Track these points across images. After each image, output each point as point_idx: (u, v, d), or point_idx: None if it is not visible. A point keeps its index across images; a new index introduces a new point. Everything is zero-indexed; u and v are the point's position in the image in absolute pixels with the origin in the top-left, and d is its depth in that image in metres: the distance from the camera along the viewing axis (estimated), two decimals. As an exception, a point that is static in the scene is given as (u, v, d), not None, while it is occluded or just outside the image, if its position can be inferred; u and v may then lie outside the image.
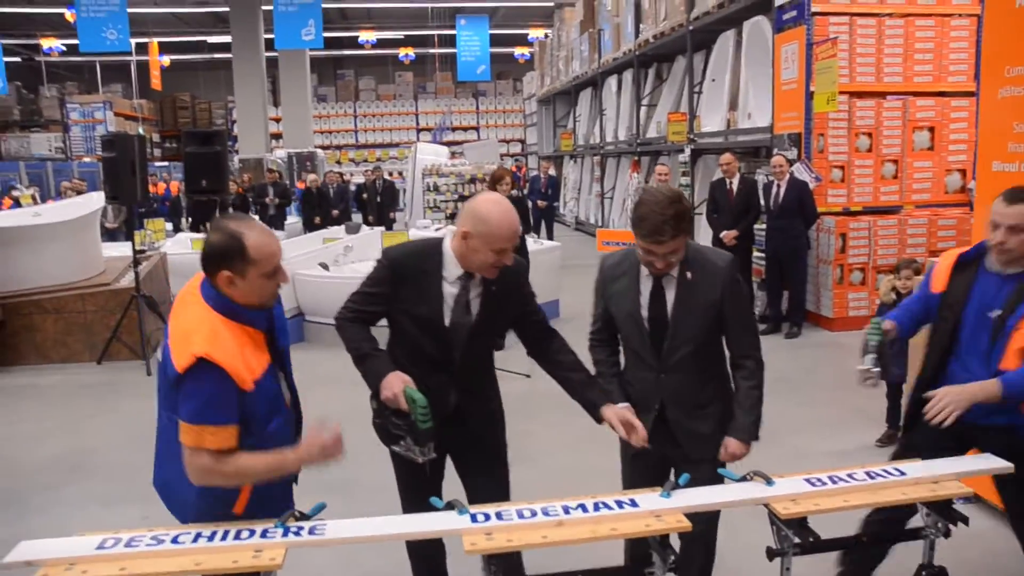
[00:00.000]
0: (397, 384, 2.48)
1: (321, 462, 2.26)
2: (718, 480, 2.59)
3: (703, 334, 2.70)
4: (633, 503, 2.36)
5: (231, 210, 12.76)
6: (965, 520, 2.46)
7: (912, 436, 2.97)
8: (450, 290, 2.64)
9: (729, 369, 2.81)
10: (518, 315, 2.81)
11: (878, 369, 2.81)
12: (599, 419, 2.69)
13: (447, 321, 2.64)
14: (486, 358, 2.85)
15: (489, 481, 2.80)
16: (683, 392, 2.74)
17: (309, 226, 13.49)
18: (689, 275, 2.66)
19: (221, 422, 2.14)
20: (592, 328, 2.93)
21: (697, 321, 2.68)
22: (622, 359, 2.95)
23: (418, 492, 2.60)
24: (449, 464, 2.88)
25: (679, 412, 2.75)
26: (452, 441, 2.76)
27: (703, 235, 10.52)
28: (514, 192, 7.47)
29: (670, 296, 2.69)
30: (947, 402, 2.61)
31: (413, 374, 2.56)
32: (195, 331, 2.15)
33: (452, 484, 2.86)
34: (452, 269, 2.64)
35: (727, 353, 2.82)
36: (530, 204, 12.93)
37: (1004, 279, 2.72)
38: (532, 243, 8.49)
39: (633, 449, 2.73)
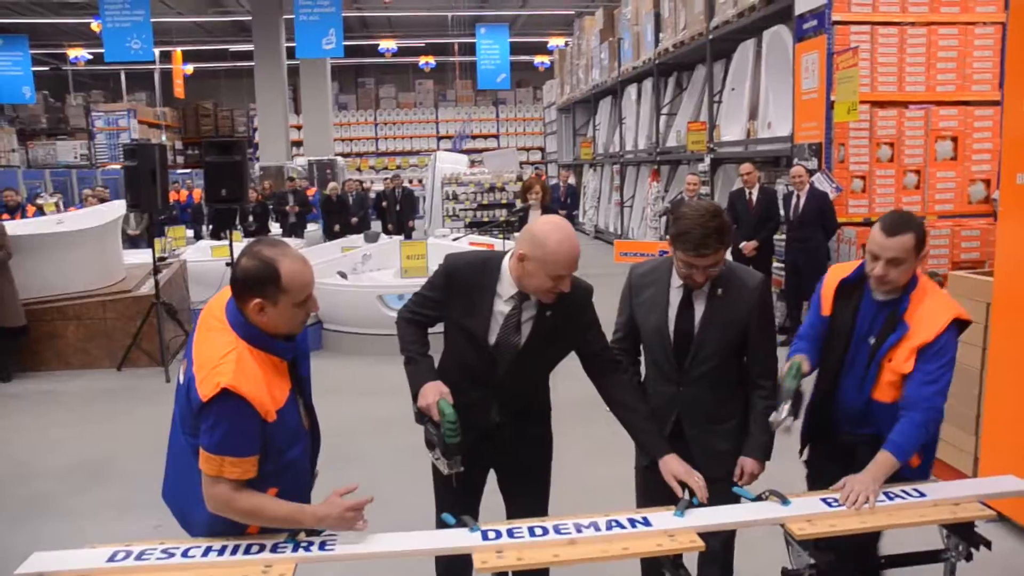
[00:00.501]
0: (432, 395, 2.47)
1: (337, 528, 2.21)
2: (733, 498, 2.56)
3: (726, 351, 2.70)
4: (646, 522, 2.33)
5: (251, 218, 12.86)
6: (988, 543, 2.41)
7: (810, 457, 2.91)
8: (502, 308, 2.59)
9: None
10: (577, 344, 2.71)
11: (792, 418, 2.61)
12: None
13: (492, 339, 2.60)
14: (536, 381, 2.77)
15: (526, 504, 2.71)
16: (700, 407, 2.72)
17: (328, 234, 13.55)
18: (720, 291, 2.66)
19: (243, 454, 2.10)
20: (614, 336, 2.89)
21: (722, 338, 2.67)
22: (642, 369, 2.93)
23: (452, 503, 2.57)
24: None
25: (696, 428, 2.73)
26: (495, 459, 2.75)
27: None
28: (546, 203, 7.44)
29: (699, 311, 2.68)
30: (858, 492, 2.44)
31: (458, 384, 2.55)
32: (221, 360, 2.09)
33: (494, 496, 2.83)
34: (507, 287, 2.59)
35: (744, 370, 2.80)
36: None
37: (880, 305, 2.62)
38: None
39: (646, 462, 2.73)
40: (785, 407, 2.55)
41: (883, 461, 2.49)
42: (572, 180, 17.98)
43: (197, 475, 2.16)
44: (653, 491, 2.74)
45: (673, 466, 2.54)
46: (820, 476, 2.76)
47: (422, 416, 2.51)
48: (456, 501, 2.58)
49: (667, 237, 2.73)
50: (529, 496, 2.78)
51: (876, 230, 2.54)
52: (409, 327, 2.70)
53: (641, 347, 2.88)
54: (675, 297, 2.71)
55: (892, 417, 2.58)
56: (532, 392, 2.76)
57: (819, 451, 2.86)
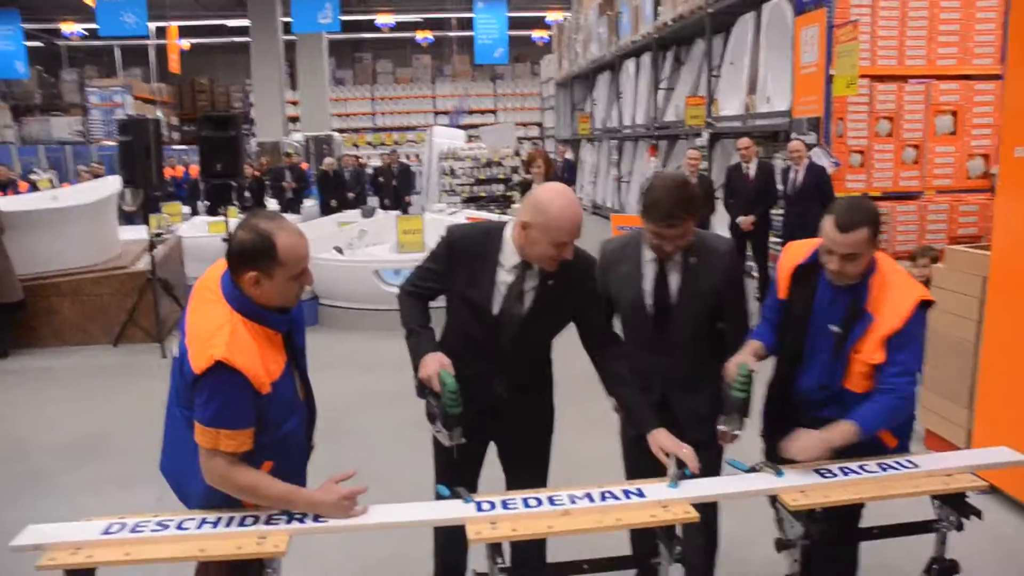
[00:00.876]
0: (432, 365, 2.45)
1: (332, 515, 2.20)
2: (718, 462, 2.65)
3: (704, 318, 2.75)
4: (640, 493, 2.34)
5: (247, 194, 12.81)
6: (978, 513, 2.42)
7: (769, 441, 2.84)
8: (504, 277, 2.58)
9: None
10: (578, 314, 2.70)
11: (738, 432, 2.56)
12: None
13: (496, 309, 2.59)
14: (540, 353, 2.76)
15: (526, 477, 2.71)
16: (683, 375, 2.76)
17: (325, 209, 13.51)
18: (693, 260, 2.69)
19: (238, 426, 2.10)
20: None
21: (700, 305, 2.71)
22: None
23: (452, 476, 2.56)
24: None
25: (679, 394, 2.77)
26: (496, 432, 2.75)
27: (720, 219, 10.44)
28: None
29: (674, 281, 2.71)
30: (801, 446, 2.46)
31: (461, 357, 2.54)
32: (215, 332, 2.09)
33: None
34: (510, 256, 2.58)
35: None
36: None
37: (837, 291, 2.56)
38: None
39: (633, 433, 2.77)
40: (732, 419, 2.52)
41: (843, 428, 2.46)
42: (570, 155, 17.90)
43: (193, 447, 2.16)
44: (640, 462, 2.78)
45: (662, 440, 2.54)
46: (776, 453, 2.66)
47: (423, 389, 2.50)
48: (456, 474, 2.58)
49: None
50: (529, 469, 2.78)
51: (829, 225, 2.45)
52: (411, 300, 2.70)
53: (618, 320, 2.88)
54: (649, 270, 2.73)
55: (857, 401, 2.57)
56: (534, 364, 2.75)
57: (777, 429, 2.76)
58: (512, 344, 2.61)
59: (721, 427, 2.55)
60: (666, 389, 2.77)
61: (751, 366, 2.54)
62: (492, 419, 2.68)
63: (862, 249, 2.44)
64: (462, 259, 2.62)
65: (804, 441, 2.47)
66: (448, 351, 2.56)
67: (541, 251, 2.47)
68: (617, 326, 2.88)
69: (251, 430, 2.13)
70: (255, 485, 2.17)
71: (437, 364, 2.46)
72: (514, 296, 2.58)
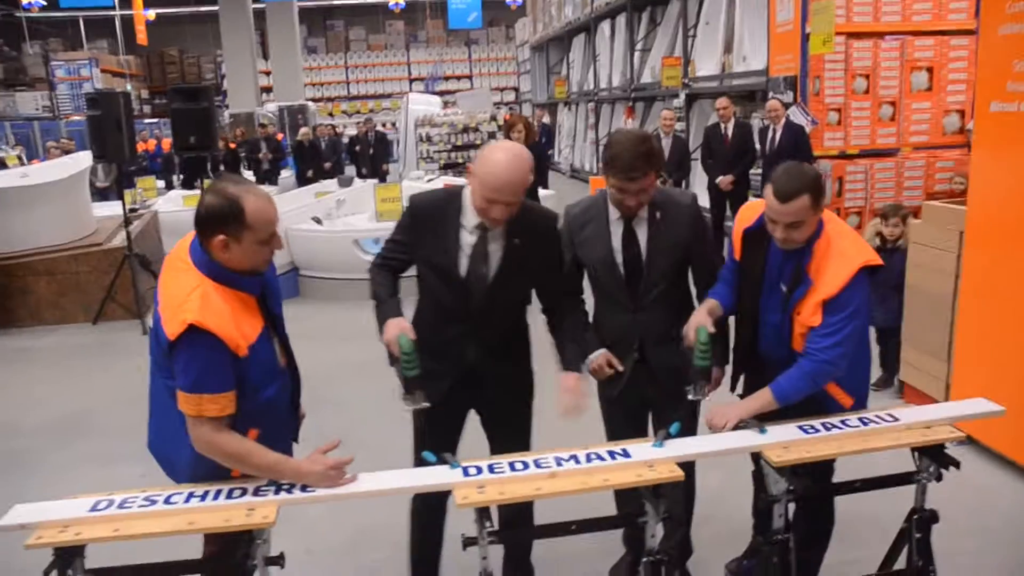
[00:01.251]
0: (392, 331, 2.45)
1: (319, 485, 2.21)
2: (696, 415, 2.72)
3: (674, 271, 2.79)
4: (626, 453, 2.36)
5: (221, 167, 12.65)
6: (956, 464, 2.47)
7: (743, 393, 2.86)
8: (468, 239, 2.56)
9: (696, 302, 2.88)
10: (547, 274, 2.70)
11: (702, 398, 2.59)
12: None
13: (463, 271, 2.57)
14: (512, 316, 2.73)
15: (508, 445, 2.67)
16: (657, 329, 2.80)
17: (301, 180, 13.37)
18: (658, 215, 2.72)
19: (219, 390, 2.11)
20: None
21: (669, 259, 2.75)
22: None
23: (430, 445, 2.53)
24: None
25: (656, 348, 2.81)
26: (476, 400, 2.74)
27: (699, 180, 10.45)
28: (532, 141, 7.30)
29: (642, 237, 2.73)
30: (721, 415, 2.51)
31: (434, 325, 2.56)
32: (186, 298, 2.09)
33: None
34: (470, 217, 2.55)
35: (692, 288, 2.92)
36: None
37: (786, 253, 2.57)
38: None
39: (611, 393, 2.83)
40: (697, 388, 2.55)
41: (760, 396, 2.54)
42: (547, 119, 17.77)
43: (177, 417, 2.17)
44: (620, 422, 2.91)
45: (567, 382, 2.62)
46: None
47: (390, 356, 2.50)
48: (434, 444, 2.55)
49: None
50: (512, 436, 2.77)
51: (769, 195, 2.45)
52: (379, 273, 2.70)
53: (588, 283, 2.89)
54: (616, 228, 2.75)
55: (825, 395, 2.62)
56: (508, 328, 2.72)
57: (750, 385, 2.81)
58: (481, 307, 2.59)
59: (689, 396, 2.57)
60: (642, 344, 2.80)
61: (709, 328, 2.56)
62: (470, 387, 2.67)
63: (804, 216, 2.43)
64: (425, 225, 2.60)
65: (723, 409, 2.53)
66: (421, 320, 2.57)
67: (477, 204, 2.46)
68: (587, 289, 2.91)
69: (232, 393, 2.14)
70: (244, 452, 2.18)
71: (397, 329, 2.45)
72: (479, 257, 2.56)
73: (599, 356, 2.79)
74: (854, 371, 2.64)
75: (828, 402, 2.63)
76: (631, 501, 2.40)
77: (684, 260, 2.79)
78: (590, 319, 2.91)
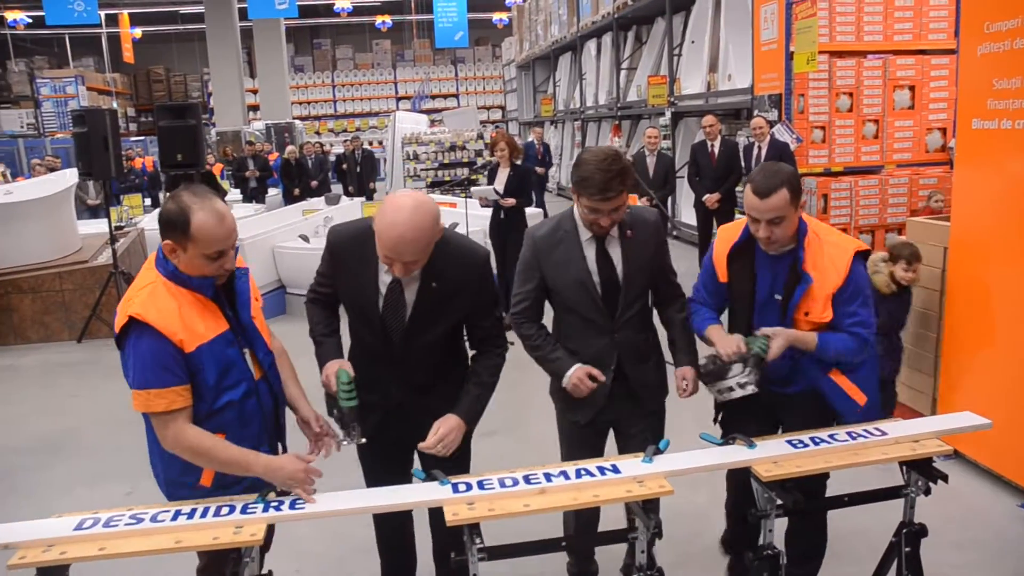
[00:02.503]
0: (331, 368, 2.42)
1: (285, 485, 2.20)
2: (661, 427, 2.79)
3: (646, 288, 2.81)
4: (615, 469, 2.35)
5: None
6: (944, 478, 2.47)
7: (724, 420, 2.90)
8: (385, 279, 2.45)
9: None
10: (467, 313, 2.55)
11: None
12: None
13: (380, 312, 2.47)
14: (437, 355, 2.57)
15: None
16: (633, 347, 2.80)
17: (288, 198, 13.35)
18: (629, 233, 2.71)
19: (163, 384, 2.13)
20: (519, 307, 2.83)
21: (645, 277, 2.76)
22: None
23: (378, 479, 2.52)
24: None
25: (633, 367, 2.80)
26: (410, 433, 2.53)
27: (686, 198, 10.51)
28: (516, 160, 7.31)
29: (615, 256, 2.72)
30: (778, 339, 2.53)
31: (360, 363, 2.48)
32: (135, 294, 2.18)
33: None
34: None
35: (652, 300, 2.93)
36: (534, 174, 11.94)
37: (775, 259, 2.61)
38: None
39: (584, 417, 2.82)
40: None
41: (806, 335, 2.57)
42: (548, 139, 17.76)
43: (151, 427, 2.23)
44: (577, 445, 2.88)
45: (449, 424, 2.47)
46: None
47: (330, 400, 2.43)
48: (382, 477, 2.49)
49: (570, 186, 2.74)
50: (448, 470, 2.45)
51: (748, 193, 2.49)
52: (314, 308, 2.63)
53: (558, 306, 2.84)
54: (589, 249, 2.71)
55: (822, 365, 2.64)
56: (435, 364, 2.57)
57: (734, 411, 2.81)
58: (403, 348, 2.50)
59: (739, 391, 2.56)
60: (620, 364, 2.77)
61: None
62: (401, 420, 2.56)
63: (785, 211, 2.47)
64: (344, 262, 2.50)
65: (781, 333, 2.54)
66: (353, 355, 2.54)
67: (380, 255, 2.33)
68: (549, 312, 2.88)
69: (182, 388, 2.16)
70: (208, 447, 2.18)
71: (336, 366, 2.42)
72: (395, 298, 2.45)
73: (576, 371, 2.71)
74: (866, 368, 2.69)
75: (843, 400, 2.67)
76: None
77: (654, 276, 2.80)
78: (554, 345, 2.81)
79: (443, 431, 2.39)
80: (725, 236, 2.74)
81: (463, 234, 2.64)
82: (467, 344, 2.71)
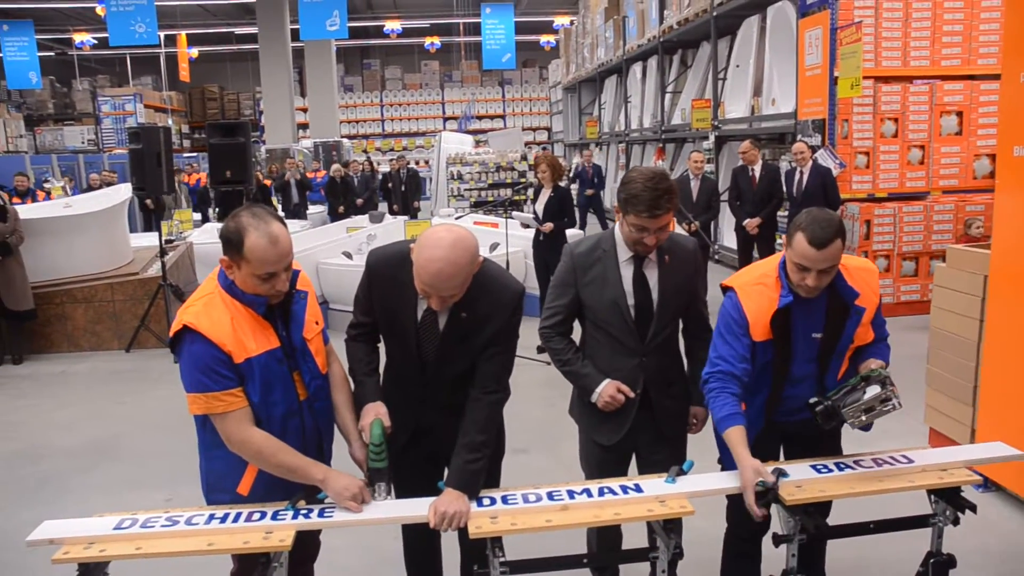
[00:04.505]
0: (369, 416, 2.41)
1: (338, 496, 2.28)
2: (683, 455, 2.75)
3: (678, 314, 2.82)
4: (638, 488, 2.38)
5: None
6: (973, 508, 2.44)
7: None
8: (421, 304, 2.46)
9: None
10: (482, 353, 2.50)
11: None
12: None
13: (414, 338, 2.49)
14: (470, 380, 2.54)
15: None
16: (660, 373, 2.80)
17: (333, 215, 13.59)
18: (667, 258, 2.73)
19: (220, 387, 2.22)
20: (551, 321, 2.85)
21: (678, 302, 2.77)
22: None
23: (407, 492, 2.51)
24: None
25: (659, 394, 2.81)
26: (440, 452, 2.56)
27: (727, 222, 10.47)
28: (562, 182, 7.39)
29: (652, 280, 2.73)
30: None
31: (395, 382, 2.54)
32: (193, 303, 2.28)
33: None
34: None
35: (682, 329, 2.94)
36: (575, 195, 11.84)
37: (806, 303, 2.54)
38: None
39: (610, 440, 2.82)
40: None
41: (881, 364, 2.55)
42: (597, 160, 17.81)
43: (200, 432, 2.34)
44: (602, 468, 2.84)
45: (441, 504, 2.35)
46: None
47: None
48: (410, 492, 2.49)
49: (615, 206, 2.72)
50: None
51: (804, 243, 2.39)
52: (354, 346, 2.62)
53: (589, 325, 2.84)
54: (627, 270, 2.73)
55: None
56: (465, 390, 2.53)
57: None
58: (435, 371, 2.52)
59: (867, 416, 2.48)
60: (647, 388, 2.78)
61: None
62: (427, 437, 2.60)
63: (838, 260, 2.45)
64: (382, 286, 2.51)
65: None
66: (384, 376, 2.58)
67: (417, 286, 2.34)
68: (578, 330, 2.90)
69: (238, 390, 2.25)
70: (273, 450, 2.27)
71: (374, 414, 2.41)
72: (428, 325, 2.48)
73: (607, 386, 2.73)
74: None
75: None
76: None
77: (687, 304, 2.81)
78: (584, 361, 2.83)
79: (442, 510, 2.27)
80: (758, 298, 2.56)
81: (501, 267, 2.62)
82: None
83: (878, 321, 2.65)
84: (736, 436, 2.45)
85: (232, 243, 2.21)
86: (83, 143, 25.39)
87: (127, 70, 30.01)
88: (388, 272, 2.49)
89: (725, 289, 2.66)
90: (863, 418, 2.46)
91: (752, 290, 2.59)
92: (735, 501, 2.80)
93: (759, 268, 2.67)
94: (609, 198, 18.71)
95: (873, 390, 2.43)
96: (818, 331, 2.58)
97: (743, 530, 2.85)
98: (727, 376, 2.55)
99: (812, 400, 2.51)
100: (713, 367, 2.59)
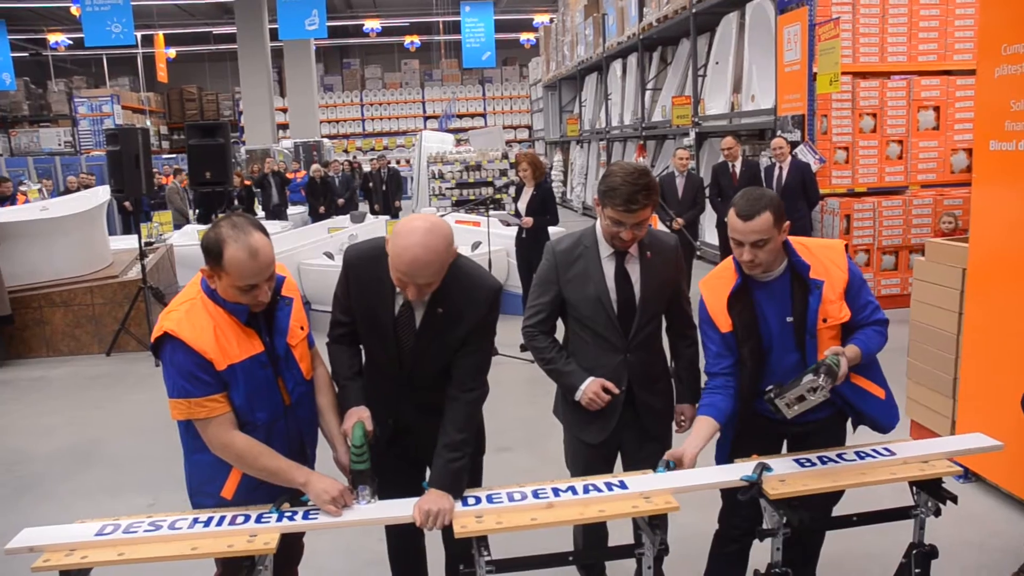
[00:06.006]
0: (352, 419, 2.40)
1: (318, 498, 2.25)
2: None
3: (661, 311, 2.82)
4: (623, 485, 2.38)
5: (236, 203, 12.82)
6: (954, 499, 2.47)
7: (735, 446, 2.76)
8: (399, 299, 2.45)
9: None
10: (459, 349, 2.48)
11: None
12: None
13: (391, 333, 2.47)
14: (447, 379, 2.51)
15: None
16: (643, 370, 2.80)
17: (314, 215, 13.53)
18: (649, 254, 2.73)
19: (202, 393, 2.20)
20: (534, 319, 2.84)
21: (661, 299, 2.78)
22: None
23: (390, 493, 2.46)
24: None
25: (642, 391, 2.81)
26: (422, 452, 2.55)
27: (708, 219, 10.51)
28: (539, 180, 7.37)
29: (634, 276, 2.73)
30: (843, 369, 2.47)
31: (372, 379, 2.54)
32: (175, 308, 2.26)
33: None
34: None
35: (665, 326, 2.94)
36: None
37: (772, 287, 2.58)
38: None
39: (595, 439, 2.82)
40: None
41: (854, 349, 2.55)
42: (574, 159, 17.81)
43: (184, 433, 2.32)
44: (587, 467, 2.85)
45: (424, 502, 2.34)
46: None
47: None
48: (397, 494, 2.43)
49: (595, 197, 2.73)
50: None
51: (732, 216, 2.49)
52: (336, 350, 2.60)
53: (572, 322, 2.84)
54: (608, 267, 2.73)
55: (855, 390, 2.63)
56: (443, 389, 2.51)
57: (742, 438, 2.73)
58: (412, 368, 2.50)
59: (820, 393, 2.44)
60: (631, 385, 2.78)
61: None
62: (407, 436, 2.59)
63: (769, 233, 2.46)
64: (360, 280, 2.50)
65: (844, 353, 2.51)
66: (366, 375, 2.56)
67: (393, 277, 2.33)
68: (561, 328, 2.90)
69: (221, 395, 2.23)
70: (255, 453, 2.25)
71: (356, 418, 2.39)
72: (405, 319, 2.46)
73: (591, 384, 2.72)
74: (874, 364, 2.68)
75: (867, 399, 2.65)
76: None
77: (669, 300, 2.82)
78: (567, 359, 2.82)
79: (427, 508, 2.27)
80: (715, 288, 2.64)
81: (479, 264, 2.60)
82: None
83: (860, 299, 2.61)
84: (698, 421, 2.58)
85: (212, 254, 2.18)
86: (60, 145, 25.08)
87: (104, 71, 29.70)
88: (365, 267, 2.48)
89: None
90: (796, 408, 2.46)
91: (712, 283, 2.67)
92: (729, 502, 2.82)
93: (723, 263, 2.70)
94: (591, 195, 18.78)
95: (807, 378, 2.43)
96: (789, 314, 2.60)
97: (735, 532, 2.85)
98: (712, 376, 2.66)
99: (767, 388, 2.53)
100: (710, 367, 2.68)
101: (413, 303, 2.43)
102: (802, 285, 2.57)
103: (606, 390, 2.72)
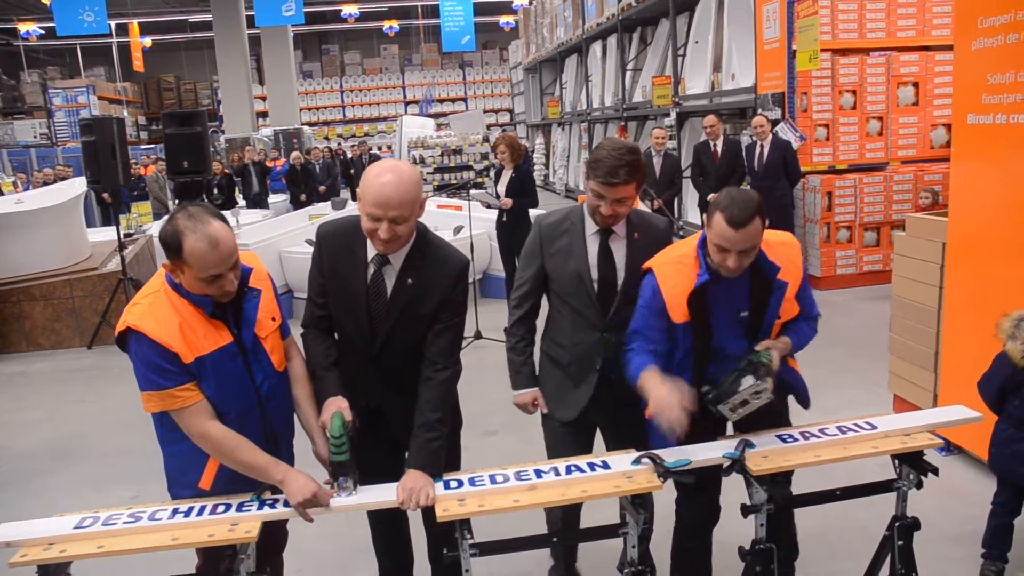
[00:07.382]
0: (330, 410, 2.35)
1: (292, 501, 2.19)
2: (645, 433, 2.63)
3: None
4: (605, 465, 2.38)
5: (215, 191, 12.69)
6: (935, 471, 2.48)
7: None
8: (371, 271, 2.45)
9: None
10: (430, 324, 2.47)
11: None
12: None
13: (362, 305, 2.46)
14: (418, 356, 2.50)
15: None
16: (621, 348, 2.74)
17: (295, 203, 13.44)
18: (636, 235, 2.71)
19: (177, 383, 2.17)
20: (519, 292, 2.86)
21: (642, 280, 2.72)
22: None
23: (370, 478, 2.43)
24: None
25: (618, 371, 2.75)
26: (398, 435, 2.54)
27: (691, 198, 10.52)
28: (518, 162, 7.33)
29: (619, 256, 2.71)
30: (779, 349, 2.51)
31: (345, 356, 2.51)
32: (138, 301, 2.22)
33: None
34: (371, 248, 2.44)
35: None
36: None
37: (727, 282, 2.50)
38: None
39: (567, 415, 2.84)
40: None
41: (785, 341, 2.59)
42: (556, 141, 17.77)
43: (159, 425, 2.31)
44: (562, 445, 2.85)
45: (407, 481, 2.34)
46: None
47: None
48: (374, 478, 2.42)
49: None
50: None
51: (721, 224, 2.34)
52: (312, 339, 2.55)
53: (553, 298, 2.85)
54: (592, 244, 2.72)
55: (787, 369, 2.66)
56: (414, 368, 2.49)
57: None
58: (383, 344, 2.48)
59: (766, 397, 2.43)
60: (607, 365, 2.75)
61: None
62: (382, 419, 2.57)
63: (758, 239, 2.41)
64: (332, 253, 2.49)
65: (770, 344, 2.53)
66: (338, 355, 2.53)
67: (364, 226, 2.33)
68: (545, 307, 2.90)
69: (192, 384, 2.20)
70: (233, 445, 2.22)
71: (334, 408, 2.35)
72: (377, 291, 2.45)
73: (527, 394, 2.89)
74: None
75: (795, 375, 2.73)
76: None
77: None
78: (537, 338, 2.90)
79: (409, 486, 2.28)
80: (673, 278, 2.52)
81: (447, 241, 2.60)
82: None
83: (804, 297, 2.61)
84: (646, 374, 2.44)
85: (171, 248, 2.14)
86: (35, 137, 24.70)
87: (78, 61, 29.25)
88: (338, 239, 2.50)
89: (646, 271, 2.59)
90: (740, 411, 2.44)
91: (669, 270, 2.55)
92: (683, 495, 2.80)
93: (679, 248, 2.60)
94: (573, 177, 18.76)
95: (747, 382, 2.40)
96: (744, 308, 2.55)
97: (694, 525, 2.85)
98: (643, 340, 2.56)
99: (704, 388, 2.50)
100: (635, 335, 2.59)
101: (385, 272, 2.42)
102: (763, 282, 2.52)
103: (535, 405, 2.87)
